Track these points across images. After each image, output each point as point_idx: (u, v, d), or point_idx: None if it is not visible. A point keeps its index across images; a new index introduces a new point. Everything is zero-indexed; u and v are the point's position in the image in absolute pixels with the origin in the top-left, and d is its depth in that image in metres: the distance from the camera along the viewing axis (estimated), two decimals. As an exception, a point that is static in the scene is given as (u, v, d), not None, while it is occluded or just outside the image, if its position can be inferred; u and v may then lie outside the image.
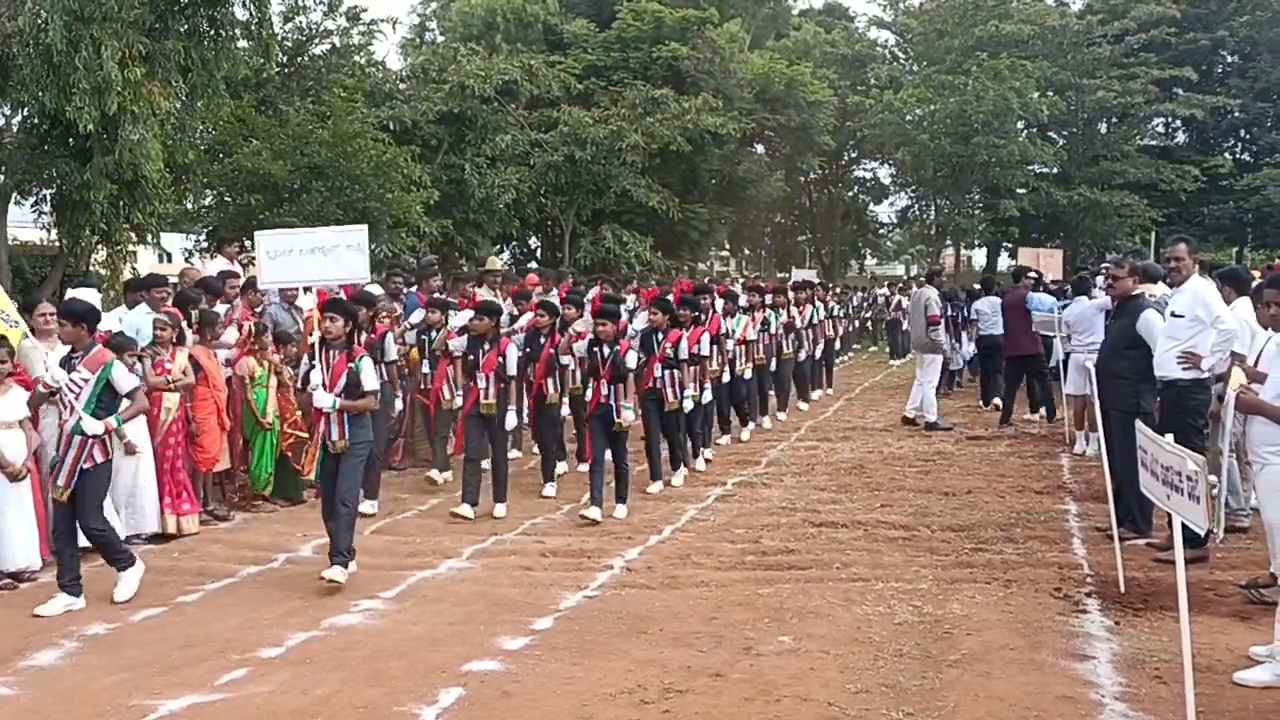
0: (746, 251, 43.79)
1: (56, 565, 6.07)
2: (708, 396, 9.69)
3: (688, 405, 9.05)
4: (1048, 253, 19.02)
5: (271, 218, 14.95)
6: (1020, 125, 30.43)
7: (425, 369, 9.53)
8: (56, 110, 10.84)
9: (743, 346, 11.10)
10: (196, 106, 13.21)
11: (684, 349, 8.90)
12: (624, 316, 9.13)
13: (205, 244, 17.97)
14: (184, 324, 7.98)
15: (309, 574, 6.41)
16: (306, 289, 8.83)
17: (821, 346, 14.59)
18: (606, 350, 8.00)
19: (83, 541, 6.00)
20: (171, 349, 7.61)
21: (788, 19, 37.66)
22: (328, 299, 6.72)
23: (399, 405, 9.40)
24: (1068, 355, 10.80)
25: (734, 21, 28.75)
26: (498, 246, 24.86)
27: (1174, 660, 4.59)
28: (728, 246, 40.51)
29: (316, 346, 6.54)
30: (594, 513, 7.77)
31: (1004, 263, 36.21)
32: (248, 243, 10.16)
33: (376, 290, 9.79)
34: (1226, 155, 34.09)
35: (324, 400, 6.33)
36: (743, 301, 12.17)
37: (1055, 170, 31.46)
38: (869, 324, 26.95)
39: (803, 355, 13.46)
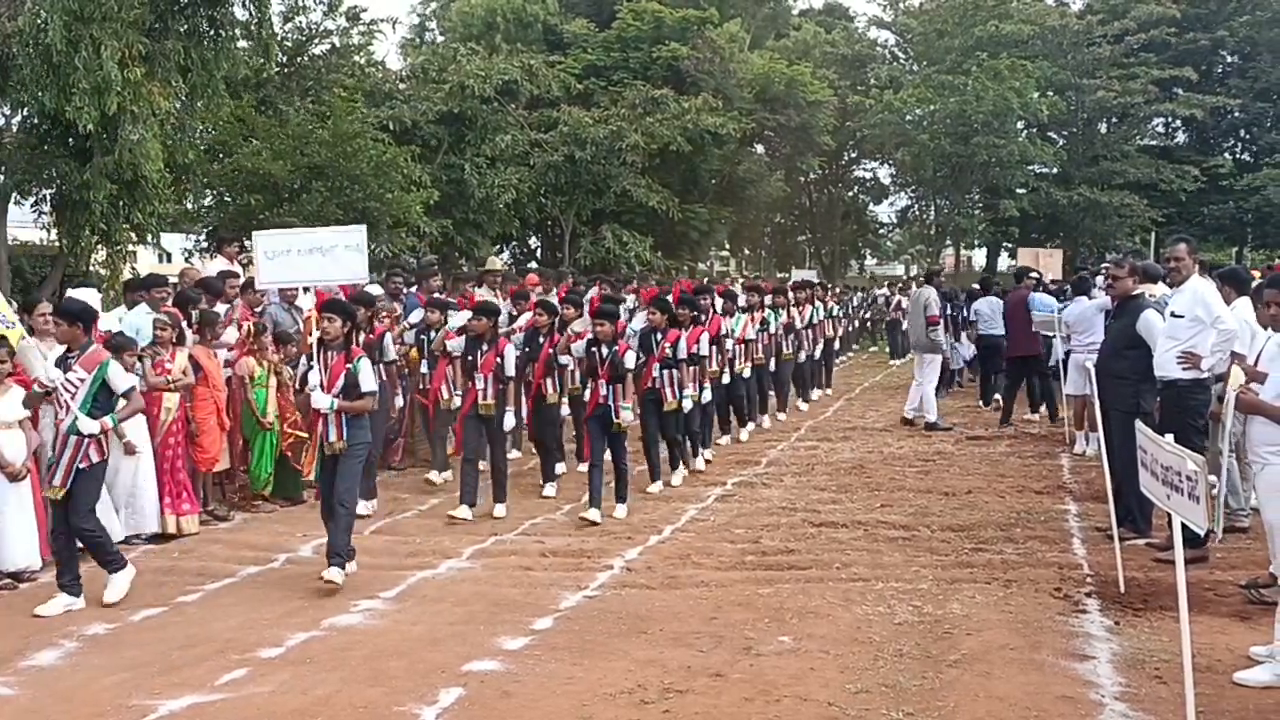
0: (746, 251, 43.81)
1: (56, 565, 6.06)
2: (707, 396, 9.69)
3: (687, 405, 9.04)
4: (1047, 253, 19.03)
5: (271, 218, 14.95)
6: (1020, 125, 30.45)
7: (424, 369, 9.53)
8: (56, 110, 10.84)
9: (742, 346, 11.10)
10: (196, 106, 13.22)
11: (683, 349, 8.90)
12: (623, 317, 9.12)
13: (205, 244, 17.99)
14: (184, 324, 7.98)
15: (309, 574, 6.40)
16: (306, 289, 8.82)
17: (821, 346, 14.59)
18: (605, 350, 7.99)
19: (82, 541, 6.00)
20: (171, 349, 7.61)
21: (788, 19, 37.68)
22: (326, 299, 6.71)
23: (399, 403, 9.41)
24: (1068, 355, 10.80)
25: (734, 21, 28.76)
26: (498, 246, 24.86)
27: (1174, 660, 4.59)
28: (728, 246, 40.54)
29: (314, 347, 6.54)
30: (593, 514, 7.76)
31: (1004, 263, 36.24)
32: (247, 243, 10.18)
33: (376, 290, 9.79)
34: (1226, 155, 34.11)
35: (321, 401, 6.31)
36: (741, 301, 12.17)
37: (1055, 170, 31.48)
38: (869, 324, 26.95)
39: (802, 356, 13.47)
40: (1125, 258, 8.56)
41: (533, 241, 29.43)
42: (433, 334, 9.23)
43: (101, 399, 5.91)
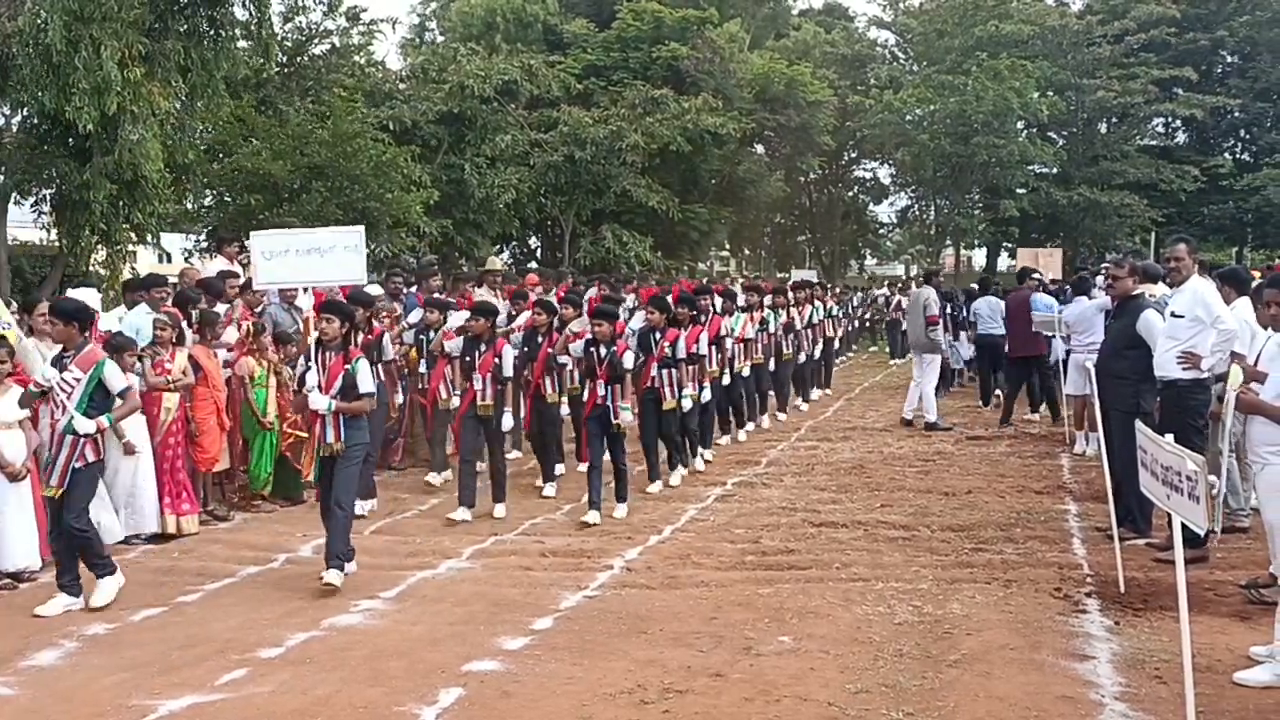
0: (746, 251, 43.82)
1: (56, 565, 6.06)
2: (706, 396, 9.69)
3: (686, 404, 9.04)
4: (1047, 253, 19.05)
5: (271, 218, 14.97)
6: (1020, 125, 30.44)
7: (423, 369, 9.52)
8: (56, 110, 10.85)
9: (741, 345, 11.09)
10: (196, 106, 13.23)
11: (681, 348, 8.90)
12: (622, 317, 9.10)
13: (205, 244, 18.00)
14: (184, 324, 7.98)
15: (309, 574, 6.40)
16: (305, 289, 8.82)
17: (820, 347, 14.59)
18: (603, 351, 7.98)
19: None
20: (171, 349, 7.61)
21: (788, 19, 37.68)
22: (324, 300, 6.69)
23: (399, 399, 9.41)
24: (1068, 355, 10.81)
25: (734, 21, 28.77)
26: (498, 246, 24.88)
27: (1174, 660, 4.59)
28: (728, 246, 40.55)
29: (313, 347, 6.53)
30: (593, 517, 7.76)
31: (1004, 263, 36.25)
32: (247, 243, 10.20)
33: (376, 290, 9.79)
34: (1226, 155, 34.11)
35: (319, 402, 6.29)
36: (740, 301, 12.16)
37: (1055, 170, 31.47)
38: (869, 324, 26.95)
39: (802, 357, 13.47)
40: (1125, 258, 8.56)
41: (533, 241, 29.45)
42: (432, 334, 9.23)
43: (97, 399, 5.90)
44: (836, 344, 18.02)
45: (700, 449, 9.99)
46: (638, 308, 11.83)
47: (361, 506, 7.86)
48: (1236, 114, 32.14)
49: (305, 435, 7.71)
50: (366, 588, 6.21)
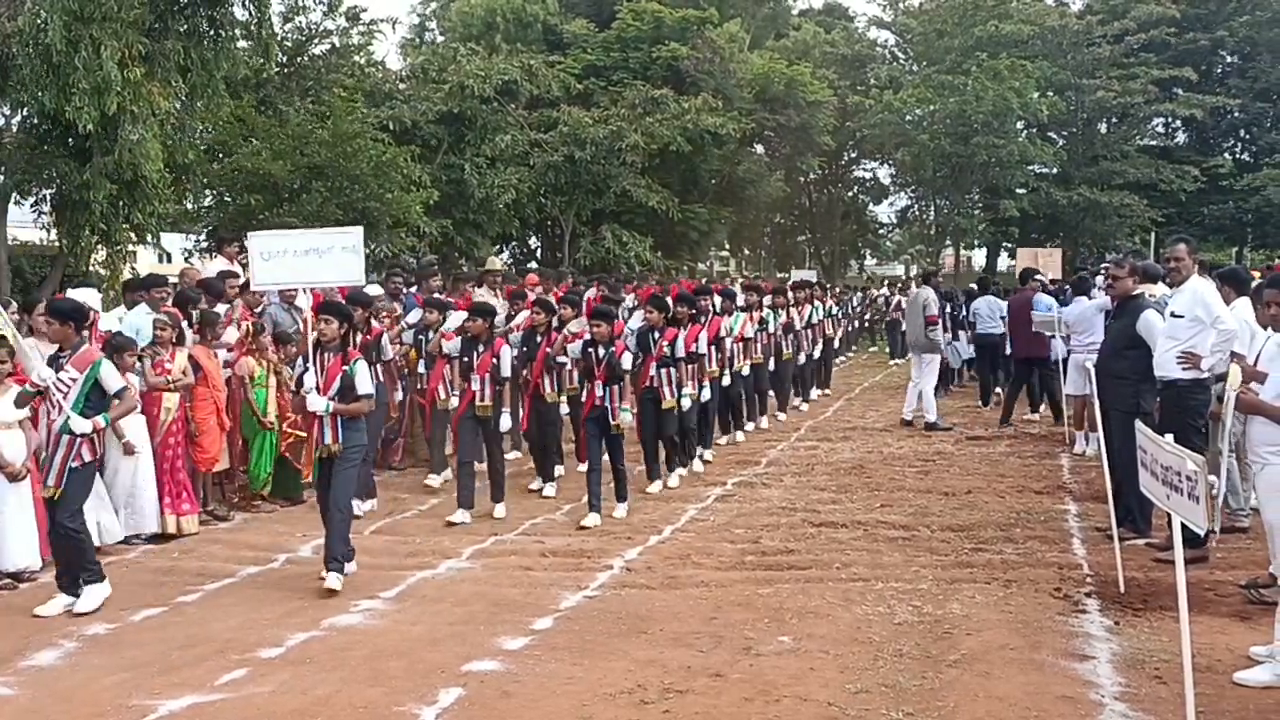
0: (746, 251, 43.85)
1: (56, 565, 6.06)
2: (706, 395, 9.68)
3: (685, 404, 9.03)
4: (1047, 253, 19.02)
5: (271, 218, 14.97)
6: (1020, 125, 30.47)
7: (422, 369, 9.52)
8: (56, 110, 10.85)
9: (740, 345, 11.09)
10: (196, 106, 13.24)
11: (680, 347, 8.89)
12: (621, 317, 9.09)
13: (205, 244, 18.01)
14: (184, 324, 7.98)
15: (309, 574, 6.41)
16: (305, 289, 8.81)
17: (820, 347, 14.59)
18: (601, 351, 7.98)
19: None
20: (171, 349, 7.61)
21: (788, 19, 37.71)
22: (323, 301, 6.68)
23: (399, 396, 9.40)
24: (1068, 355, 10.81)
25: (734, 21, 28.78)
26: (498, 246, 24.89)
27: (1174, 660, 4.59)
28: (727, 246, 40.57)
29: (311, 348, 6.52)
30: (593, 520, 7.74)
31: (1004, 263, 36.26)
32: (247, 243, 10.20)
33: (376, 290, 9.78)
34: (1226, 155, 34.14)
35: (317, 404, 6.26)
36: (740, 301, 12.16)
37: (1055, 170, 31.50)
38: (869, 324, 26.95)
39: (801, 357, 13.47)
40: (1125, 258, 8.56)
41: (533, 241, 29.46)
42: (431, 334, 9.23)
43: (94, 398, 5.89)
44: (836, 344, 18.03)
45: (700, 449, 9.99)
46: (637, 307, 11.83)
47: (361, 506, 7.87)
48: (1236, 114, 32.16)
49: (305, 435, 7.72)
50: (366, 588, 6.21)
